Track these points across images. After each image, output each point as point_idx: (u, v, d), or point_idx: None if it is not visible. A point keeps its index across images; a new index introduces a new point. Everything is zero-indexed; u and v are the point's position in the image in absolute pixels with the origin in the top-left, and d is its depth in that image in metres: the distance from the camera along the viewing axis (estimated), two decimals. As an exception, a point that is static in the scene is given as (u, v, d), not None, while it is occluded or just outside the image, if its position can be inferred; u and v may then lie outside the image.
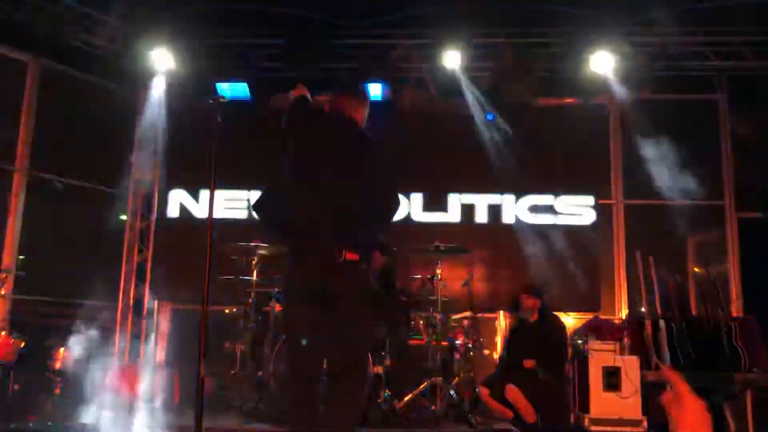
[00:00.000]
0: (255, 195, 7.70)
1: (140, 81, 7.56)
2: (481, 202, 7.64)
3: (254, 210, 3.45)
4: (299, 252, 3.31)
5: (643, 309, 6.94)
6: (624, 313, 7.28)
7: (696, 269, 7.67)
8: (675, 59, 7.10)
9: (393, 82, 7.35)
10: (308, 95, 3.64)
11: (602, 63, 6.91)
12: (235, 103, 7.24)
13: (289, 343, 3.44)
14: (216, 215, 3.30)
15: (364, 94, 3.66)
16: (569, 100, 7.72)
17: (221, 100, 3.37)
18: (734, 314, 7.06)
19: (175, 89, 7.73)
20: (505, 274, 7.22)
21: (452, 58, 6.88)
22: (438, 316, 5.49)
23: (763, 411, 6.05)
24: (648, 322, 6.36)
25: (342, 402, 3.21)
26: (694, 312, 7.16)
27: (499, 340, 7.06)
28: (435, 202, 7.58)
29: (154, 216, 8.00)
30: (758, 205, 7.39)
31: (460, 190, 7.62)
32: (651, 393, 5.99)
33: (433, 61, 7.10)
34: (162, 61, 7.19)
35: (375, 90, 7.25)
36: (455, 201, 7.63)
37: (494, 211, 7.60)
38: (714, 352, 6.13)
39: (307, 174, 3.34)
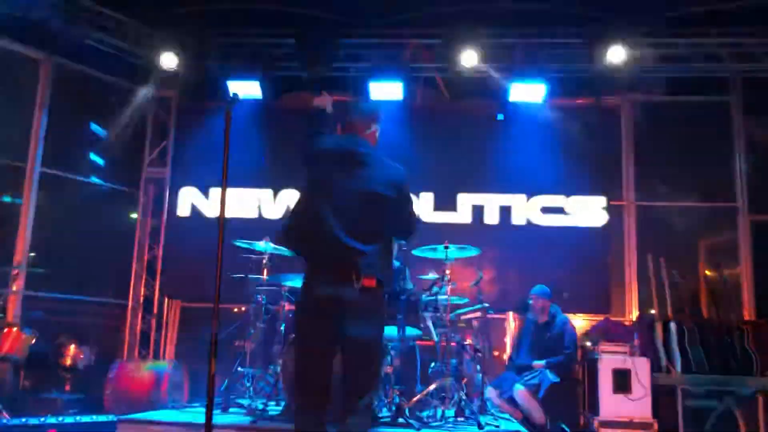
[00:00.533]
0: (265, 194, 7.83)
1: (152, 79, 7.58)
2: (492, 203, 7.61)
3: (281, 241, 3.44)
4: (316, 275, 3.31)
5: (653, 311, 6.91)
6: (635, 315, 7.24)
7: (707, 272, 7.62)
8: (688, 60, 7.05)
9: (405, 81, 7.34)
10: (329, 105, 3.65)
11: (615, 63, 6.86)
12: (247, 102, 7.28)
13: (297, 365, 3.44)
14: (227, 214, 3.29)
15: (375, 114, 3.64)
16: (582, 101, 7.68)
17: (232, 98, 3.36)
18: (746, 318, 7.02)
19: (186, 87, 7.75)
20: (515, 275, 7.19)
21: (468, 57, 6.86)
22: (447, 317, 5.46)
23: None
24: (659, 325, 6.34)
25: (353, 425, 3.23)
26: (705, 315, 7.12)
27: (508, 341, 7.04)
28: (445, 202, 7.57)
29: (165, 214, 8.04)
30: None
31: (471, 190, 7.59)
32: (661, 395, 5.97)
33: (445, 61, 7.08)
34: (174, 59, 7.21)
35: (395, 90, 7.24)
36: (466, 201, 7.61)
37: (505, 211, 7.58)
38: (725, 356, 6.09)
39: (324, 200, 3.32)
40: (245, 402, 5.47)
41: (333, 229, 3.25)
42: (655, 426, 5.82)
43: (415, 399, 5.09)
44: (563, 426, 5.99)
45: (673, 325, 6.23)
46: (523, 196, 7.59)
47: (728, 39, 6.94)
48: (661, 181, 7.66)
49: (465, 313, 5.89)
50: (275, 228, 7.20)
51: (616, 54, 6.67)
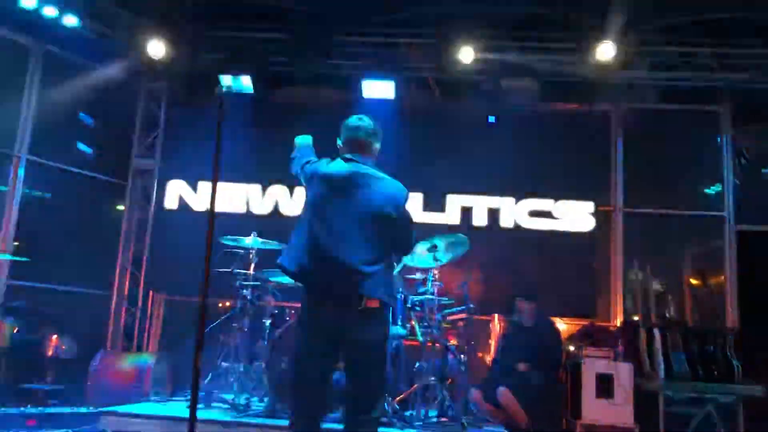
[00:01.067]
0: (254, 189, 7.80)
1: (142, 69, 7.53)
2: (480, 205, 7.62)
3: (280, 266, 3.48)
4: (317, 297, 3.36)
5: (638, 317, 6.96)
6: (619, 320, 7.27)
7: (693, 280, 7.67)
8: (679, 69, 7.09)
9: (397, 81, 7.32)
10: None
11: (607, 69, 6.87)
12: (238, 96, 7.24)
13: (296, 374, 3.47)
14: (217, 208, 3.27)
15: (379, 133, 3.67)
16: (573, 106, 7.71)
17: (224, 92, 3.34)
18: (730, 326, 7.07)
19: (177, 79, 7.71)
20: (502, 277, 7.20)
21: (462, 58, 6.85)
22: (434, 317, 5.47)
23: (756, 423, 6.06)
24: (643, 331, 6.37)
25: None
26: (689, 322, 7.17)
27: (493, 343, 7.05)
28: (434, 203, 7.57)
29: (152, 206, 7.98)
30: (758, 218, 7.38)
31: (460, 191, 7.60)
32: (643, 401, 6.00)
33: (438, 61, 7.08)
34: (165, 51, 7.14)
35: (388, 89, 7.23)
36: (455, 202, 7.62)
37: (493, 213, 7.60)
38: (708, 363, 6.14)
39: (326, 220, 3.37)
40: (229, 397, 5.45)
41: (333, 252, 3.30)
42: (637, 431, 5.85)
43: (398, 398, 5.10)
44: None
45: (656, 332, 6.27)
46: (512, 199, 7.60)
47: (717, 49, 6.98)
48: (649, 188, 7.71)
49: (451, 314, 5.90)
50: (263, 223, 7.22)
51: (605, 53, 6.62)
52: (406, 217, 3.54)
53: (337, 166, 3.51)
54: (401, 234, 3.52)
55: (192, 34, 7.20)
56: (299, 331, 3.50)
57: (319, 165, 3.57)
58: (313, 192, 3.49)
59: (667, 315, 6.75)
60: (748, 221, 7.39)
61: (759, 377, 6.08)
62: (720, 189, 7.53)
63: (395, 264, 3.64)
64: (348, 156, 3.55)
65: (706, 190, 7.70)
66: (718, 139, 7.59)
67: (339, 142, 3.67)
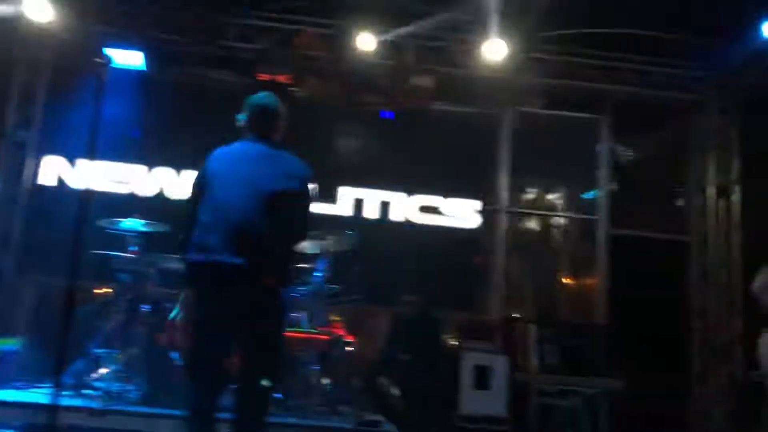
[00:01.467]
0: (139, 170, 7.48)
1: (19, 31, 7.00)
2: (373, 197, 7.69)
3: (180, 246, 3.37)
4: (216, 274, 3.26)
5: (516, 312, 7.28)
6: (499, 315, 7.55)
7: (567, 279, 8.10)
8: (565, 77, 7.44)
9: (296, 69, 7.25)
10: None
11: (498, 72, 7.09)
12: (128, 72, 6.93)
13: (193, 349, 3.40)
14: (95, 188, 3.12)
15: (280, 112, 3.64)
16: (465, 107, 7.89)
17: (108, 63, 3.19)
18: (599, 322, 7.51)
19: (60, 49, 7.26)
20: (390, 269, 7.29)
21: (361, 47, 6.85)
22: (319, 307, 5.47)
23: (618, 416, 6.50)
24: (520, 325, 6.68)
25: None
26: (562, 318, 7.58)
27: (378, 335, 7.12)
28: (326, 194, 7.56)
29: (25, 182, 7.48)
30: (629, 223, 7.87)
31: (353, 183, 7.63)
32: (517, 393, 6.28)
33: (337, 51, 7.06)
34: (50, 15, 6.68)
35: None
36: (347, 194, 7.64)
37: (385, 207, 7.68)
38: (576, 357, 6.51)
39: (228, 199, 3.32)
40: (101, 384, 5.21)
41: (234, 230, 3.24)
42: (510, 422, 6.11)
43: (281, 388, 5.07)
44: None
45: (532, 327, 6.58)
46: (404, 194, 7.72)
47: (602, 61, 7.38)
48: (533, 190, 8.05)
49: (337, 304, 5.91)
50: (147, 205, 6.95)
51: (497, 53, 6.81)
52: (308, 197, 3.53)
53: (241, 146, 3.49)
54: (300, 215, 3.49)
55: (80, 2, 6.80)
56: (198, 309, 3.40)
57: (219, 150, 3.51)
58: (214, 172, 3.42)
59: (543, 311, 7.10)
60: (621, 226, 7.86)
61: (626, 371, 6.50)
62: (596, 194, 7.97)
63: (293, 245, 3.61)
64: (251, 135, 3.52)
65: (584, 195, 8.14)
66: (597, 147, 8.03)
67: (241, 120, 3.61)
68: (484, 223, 7.80)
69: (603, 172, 7.96)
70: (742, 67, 6.97)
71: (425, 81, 7.25)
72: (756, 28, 6.30)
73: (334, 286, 5.66)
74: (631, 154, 8.28)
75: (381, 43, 6.94)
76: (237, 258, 3.21)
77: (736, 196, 7.58)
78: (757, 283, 5.72)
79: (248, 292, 3.23)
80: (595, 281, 7.76)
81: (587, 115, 7.99)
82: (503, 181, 7.89)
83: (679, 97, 7.58)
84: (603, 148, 8.00)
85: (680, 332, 7.35)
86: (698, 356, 7.40)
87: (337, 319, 6.06)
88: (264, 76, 7.21)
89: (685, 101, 7.67)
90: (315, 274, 5.44)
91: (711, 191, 7.70)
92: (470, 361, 6.24)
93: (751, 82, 7.08)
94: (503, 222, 7.81)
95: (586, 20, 6.75)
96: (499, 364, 6.23)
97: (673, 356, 6.72)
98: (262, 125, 3.56)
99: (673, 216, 7.99)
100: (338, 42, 6.93)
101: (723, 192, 7.62)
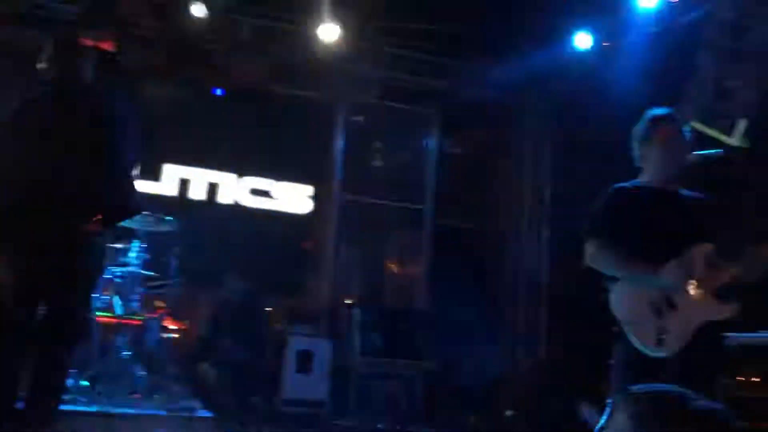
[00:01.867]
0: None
1: None
2: (201, 178, 7.42)
3: None
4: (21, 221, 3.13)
5: (346, 299, 7.39)
6: (326, 300, 7.62)
7: (393, 265, 8.35)
8: (399, 70, 7.63)
9: (120, 37, 6.78)
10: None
11: (332, 57, 7.08)
12: None
13: None
14: None
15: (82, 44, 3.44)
16: (300, 92, 7.83)
17: None
18: (421, 308, 7.82)
19: None
20: (216, 252, 7.08)
21: (194, 13, 6.54)
22: (135, 290, 5.19)
23: (431, 396, 6.84)
24: (345, 310, 6.80)
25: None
26: (387, 303, 7.81)
27: (199, 320, 6.91)
28: (149, 171, 7.16)
29: None
30: (454, 215, 8.25)
31: (179, 162, 7.30)
32: (339, 376, 6.39)
33: (167, 21, 6.71)
34: None
35: (109, 45, 6.56)
36: (172, 173, 7.29)
37: (213, 188, 7.45)
38: (397, 341, 6.75)
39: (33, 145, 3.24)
40: None
41: (38, 175, 3.17)
42: (330, 404, 6.20)
43: (88, 374, 4.78)
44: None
45: (357, 311, 6.72)
46: (234, 176, 7.53)
47: (434, 57, 7.64)
48: (365, 178, 8.18)
49: (155, 287, 5.66)
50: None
51: (329, 34, 6.78)
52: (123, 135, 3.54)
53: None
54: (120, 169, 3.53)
55: None
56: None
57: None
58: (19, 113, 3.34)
59: (368, 296, 7.28)
60: (444, 216, 8.21)
61: (442, 354, 6.82)
62: (423, 185, 8.27)
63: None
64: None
65: (413, 186, 8.41)
66: (425, 140, 8.33)
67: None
68: (316, 209, 7.82)
69: (430, 165, 8.26)
70: (557, 74, 7.51)
71: (259, 61, 7.09)
72: (568, 38, 6.82)
73: (149, 270, 5.40)
74: (459, 149, 8.71)
75: (214, 18, 6.68)
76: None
77: (547, 194, 8.17)
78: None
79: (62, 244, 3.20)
80: (419, 268, 8.06)
81: (419, 109, 8.24)
82: (337, 169, 7.94)
83: (499, 98, 8.00)
84: (431, 141, 8.32)
85: (492, 318, 7.78)
86: (509, 340, 7.90)
87: (162, 304, 5.82)
88: (86, 41, 6.67)
89: (506, 103, 8.13)
90: (129, 255, 5.15)
91: (526, 188, 8.24)
92: (294, 345, 6.25)
93: (564, 89, 7.65)
94: (335, 208, 7.87)
95: (417, 15, 6.94)
96: (322, 349, 6.31)
97: (484, 340, 7.12)
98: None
99: (492, 209, 8.46)
100: (168, 11, 6.58)
101: (536, 190, 8.19)
